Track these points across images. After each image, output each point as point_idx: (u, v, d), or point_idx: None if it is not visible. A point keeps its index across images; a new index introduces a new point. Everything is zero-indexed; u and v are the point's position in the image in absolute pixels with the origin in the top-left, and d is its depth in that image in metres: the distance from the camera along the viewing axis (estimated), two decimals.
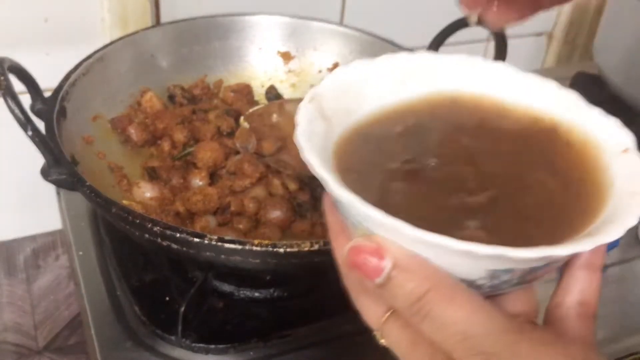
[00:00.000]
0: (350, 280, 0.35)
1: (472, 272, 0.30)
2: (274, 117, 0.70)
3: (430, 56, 0.39)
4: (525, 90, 0.38)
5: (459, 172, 0.34)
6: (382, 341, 0.34)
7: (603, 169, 0.34)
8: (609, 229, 0.29)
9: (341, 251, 0.34)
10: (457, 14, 0.66)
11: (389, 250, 0.29)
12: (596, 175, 0.34)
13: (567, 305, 0.33)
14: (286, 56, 0.81)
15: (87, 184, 0.53)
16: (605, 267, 0.76)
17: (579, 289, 0.33)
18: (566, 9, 1.14)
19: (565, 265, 0.34)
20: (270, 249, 0.48)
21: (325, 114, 0.35)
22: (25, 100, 0.55)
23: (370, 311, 0.34)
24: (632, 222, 0.29)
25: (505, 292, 0.32)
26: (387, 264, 0.29)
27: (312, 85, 0.81)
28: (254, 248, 0.48)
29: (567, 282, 0.33)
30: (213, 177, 0.67)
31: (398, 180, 0.34)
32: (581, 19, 1.16)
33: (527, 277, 0.31)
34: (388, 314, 0.33)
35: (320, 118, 0.34)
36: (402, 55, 0.38)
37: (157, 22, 0.85)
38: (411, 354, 0.32)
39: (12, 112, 0.51)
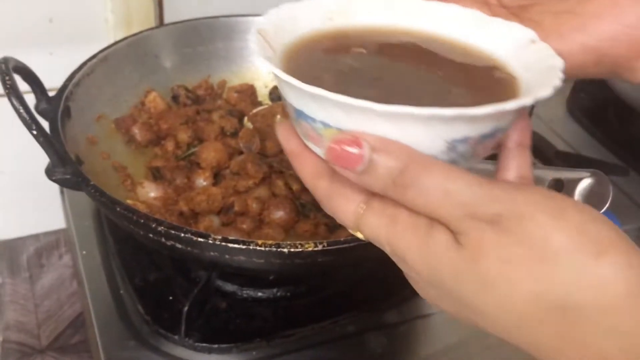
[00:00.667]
0: (321, 189, 0.37)
1: (434, 145, 0.34)
2: (278, 118, 0.70)
3: None
4: (427, 14, 0.44)
5: (399, 73, 0.40)
6: (359, 234, 0.37)
7: (516, 59, 0.40)
8: (541, 89, 0.34)
9: (306, 169, 0.38)
10: None
11: (365, 138, 0.33)
12: (510, 64, 0.40)
13: (508, 180, 0.37)
14: None
15: (92, 183, 0.53)
16: None
17: (515, 165, 0.37)
18: None
19: (500, 149, 0.38)
20: (274, 249, 0.48)
21: (270, 45, 0.39)
22: (30, 99, 0.55)
23: (345, 210, 0.36)
24: (558, 83, 0.34)
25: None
26: (366, 150, 0.33)
27: None
28: (258, 248, 0.48)
29: (504, 161, 0.37)
30: (217, 177, 0.67)
31: (348, 84, 0.38)
32: None
33: (477, 148, 0.35)
34: (364, 207, 0.36)
35: (268, 47, 0.38)
36: None
37: (161, 23, 0.85)
38: (392, 231, 0.34)
39: (17, 111, 0.52)
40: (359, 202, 0.36)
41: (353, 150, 0.33)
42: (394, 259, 0.36)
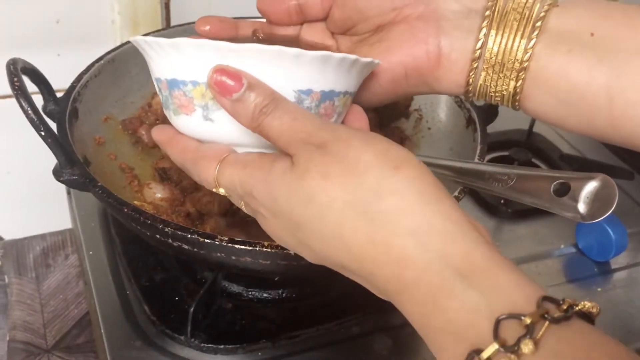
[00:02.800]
0: (188, 160, 0.46)
1: (286, 94, 0.42)
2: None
3: None
4: None
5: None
6: (221, 190, 0.44)
7: None
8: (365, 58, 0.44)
9: (175, 148, 0.47)
10: None
11: (244, 74, 0.41)
12: None
13: None
14: None
15: (99, 184, 0.53)
16: (613, 271, 0.77)
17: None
18: None
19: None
20: (280, 250, 0.48)
21: None
22: (37, 100, 0.55)
23: (207, 171, 0.44)
24: (377, 61, 0.47)
25: None
26: (244, 83, 0.41)
27: None
28: (264, 249, 0.48)
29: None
30: None
31: None
32: None
33: (320, 108, 0.44)
34: (219, 164, 0.43)
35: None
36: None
37: (168, 25, 0.86)
38: (243, 173, 0.42)
39: (25, 112, 0.52)
40: (216, 162, 0.43)
41: (231, 82, 0.41)
42: (246, 200, 0.42)
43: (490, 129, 0.66)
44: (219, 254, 0.50)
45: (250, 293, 0.65)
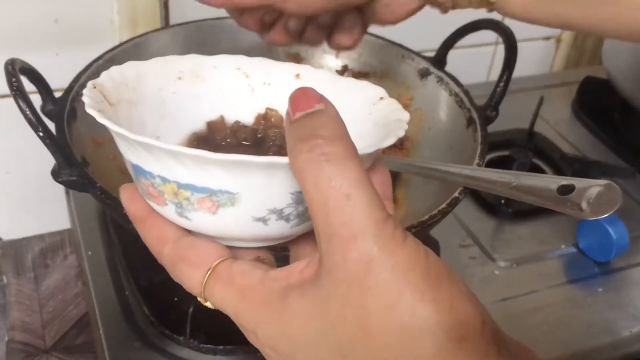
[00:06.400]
0: (167, 256, 0.36)
1: (281, 198, 0.34)
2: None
3: (198, 57, 0.47)
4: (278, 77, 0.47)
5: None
6: (208, 304, 0.35)
7: (367, 114, 0.41)
8: (385, 140, 0.35)
9: (151, 234, 0.37)
10: (466, 18, 0.66)
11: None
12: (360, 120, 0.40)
13: None
14: (296, 58, 0.81)
15: (98, 185, 0.53)
16: (614, 271, 0.76)
17: (377, 182, 0.35)
18: None
19: None
20: (280, 253, 0.48)
21: (109, 101, 0.39)
22: (35, 100, 0.55)
23: (191, 278, 0.35)
24: (401, 134, 0.36)
25: (307, 227, 0.37)
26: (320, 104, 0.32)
27: None
28: None
29: None
30: None
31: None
32: None
33: None
34: (207, 274, 0.34)
35: (106, 102, 0.39)
36: (174, 57, 0.46)
37: (167, 24, 0.85)
38: (244, 306, 0.32)
39: (24, 113, 0.51)
40: (206, 268, 0.34)
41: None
42: (242, 330, 0.34)
43: (491, 128, 0.66)
44: None
45: None
